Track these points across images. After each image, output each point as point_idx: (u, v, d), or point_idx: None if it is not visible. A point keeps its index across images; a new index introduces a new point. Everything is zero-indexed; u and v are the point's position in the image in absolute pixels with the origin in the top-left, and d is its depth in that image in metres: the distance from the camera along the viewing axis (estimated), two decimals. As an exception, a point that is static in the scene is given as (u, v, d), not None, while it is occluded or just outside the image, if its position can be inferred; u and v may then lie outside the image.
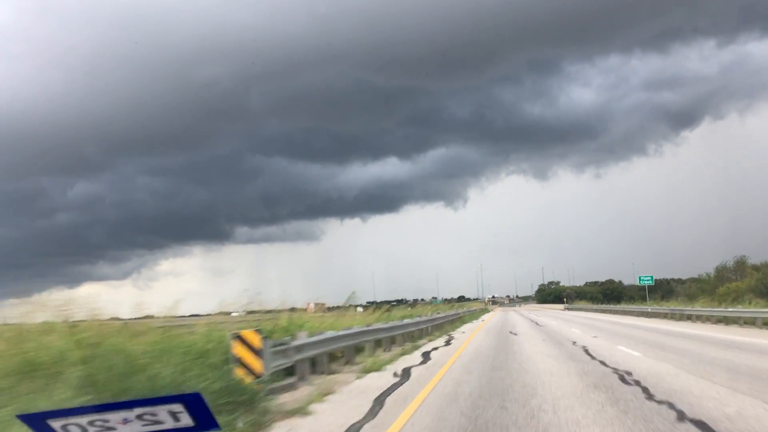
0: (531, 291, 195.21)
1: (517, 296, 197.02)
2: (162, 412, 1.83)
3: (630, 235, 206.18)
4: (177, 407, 1.83)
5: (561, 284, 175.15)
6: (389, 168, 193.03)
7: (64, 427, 1.81)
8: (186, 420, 1.84)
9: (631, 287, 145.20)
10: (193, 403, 1.82)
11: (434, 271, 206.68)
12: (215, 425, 1.84)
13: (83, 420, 1.82)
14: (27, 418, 1.79)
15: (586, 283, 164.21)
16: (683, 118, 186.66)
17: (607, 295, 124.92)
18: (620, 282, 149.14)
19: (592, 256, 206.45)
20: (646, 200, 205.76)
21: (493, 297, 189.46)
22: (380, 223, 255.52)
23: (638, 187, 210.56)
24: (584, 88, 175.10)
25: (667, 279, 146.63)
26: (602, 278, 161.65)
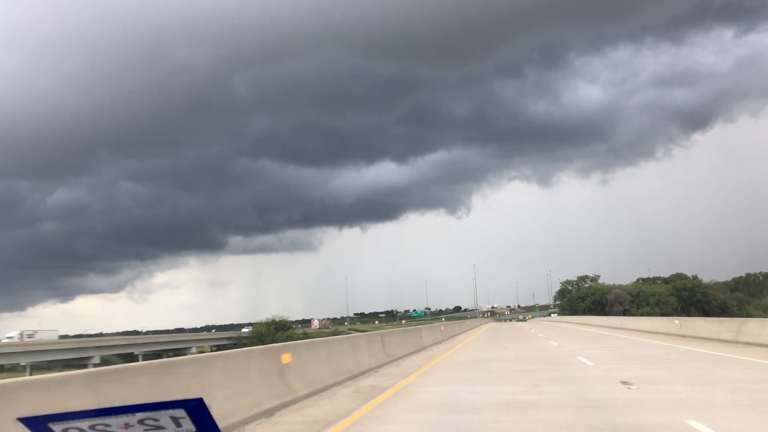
0: (533, 301, 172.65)
1: (518, 306, 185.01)
2: (164, 417, 1.73)
3: (641, 241, 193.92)
4: (179, 412, 1.72)
5: (601, 281, 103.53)
6: (384, 172, 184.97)
7: (65, 430, 1.74)
8: (188, 425, 1.73)
9: (718, 286, 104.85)
10: (196, 408, 1.71)
11: (433, 281, 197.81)
12: (217, 431, 1.72)
13: (84, 424, 1.74)
14: (28, 421, 1.72)
15: (639, 279, 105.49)
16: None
17: (684, 299, 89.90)
18: (696, 277, 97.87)
19: (605, 261, 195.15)
20: (654, 207, 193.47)
21: (492, 308, 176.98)
22: (379, 232, 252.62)
23: (646, 193, 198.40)
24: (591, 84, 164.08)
25: (753, 273, 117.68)
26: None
